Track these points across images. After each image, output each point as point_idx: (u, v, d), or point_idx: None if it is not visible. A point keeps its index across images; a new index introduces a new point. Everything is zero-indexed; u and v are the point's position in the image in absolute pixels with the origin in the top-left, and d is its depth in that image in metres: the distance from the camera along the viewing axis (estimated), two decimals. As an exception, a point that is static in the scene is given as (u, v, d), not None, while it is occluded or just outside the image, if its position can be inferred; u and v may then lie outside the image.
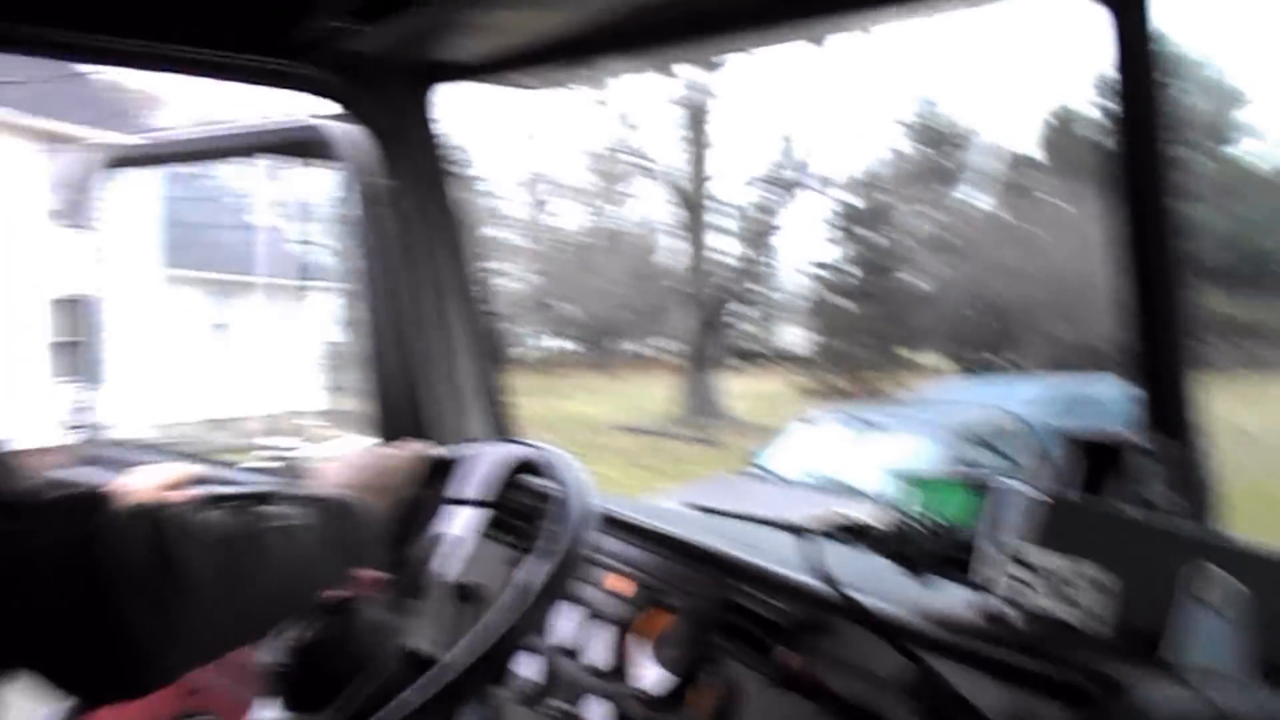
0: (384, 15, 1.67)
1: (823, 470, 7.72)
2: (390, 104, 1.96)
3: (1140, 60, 1.16)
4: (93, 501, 0.84)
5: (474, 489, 1.39)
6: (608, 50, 1.83)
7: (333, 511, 1.09)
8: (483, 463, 1.42)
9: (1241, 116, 21.89)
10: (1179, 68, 22.04)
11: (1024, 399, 9.42)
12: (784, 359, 26.05)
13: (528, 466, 1.36)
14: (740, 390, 20.60)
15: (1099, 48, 1.23)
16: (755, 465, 8.54)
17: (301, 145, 2.24)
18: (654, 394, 19.83)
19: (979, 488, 0.94)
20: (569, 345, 26.76)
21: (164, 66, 1.92)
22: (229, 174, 22.46)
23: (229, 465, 2.58)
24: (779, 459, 8.44)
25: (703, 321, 17.92)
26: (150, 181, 16.25)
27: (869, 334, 21.55)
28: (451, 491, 1.41)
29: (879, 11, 1.50)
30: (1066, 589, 0.85)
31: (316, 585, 1.06)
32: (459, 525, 1.57)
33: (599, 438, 15.82)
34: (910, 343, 23.46)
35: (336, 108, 1.98)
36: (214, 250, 16.30)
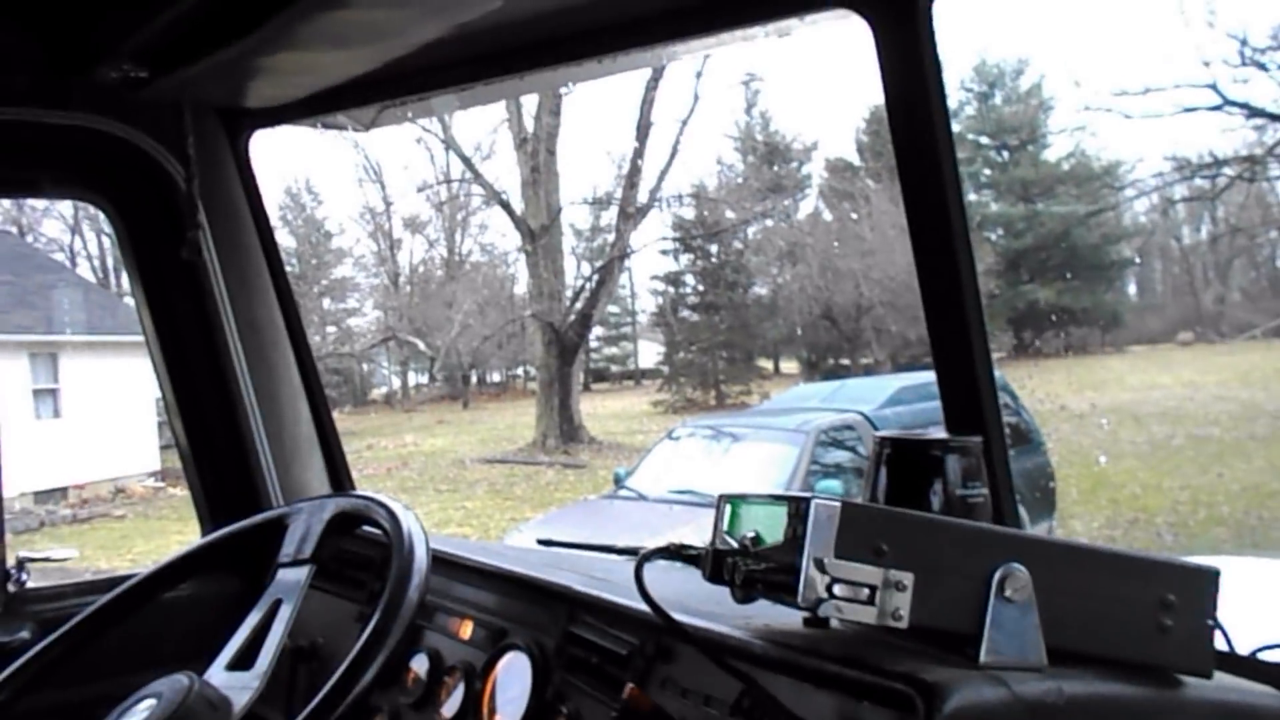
0: (182, 62, 1.60)
1: (684, 484, 7.81)
2: (197, 151, 1.89)
3: (907, 69, 1.22)
4: None
5: (308, 548, 1.34)
6: (427, 86, 1.82)
7: None
8: (315, 520, 1.38)
9: (1051, 121, 23.52)
10: (990, 78, 23.55)
11: (874, 398, 9.78)
12: (641, 376, 26.31)
13: (361, 519, 1.33)
14: (601, 410, 20.67)
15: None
16: (619, 485, 8.58)
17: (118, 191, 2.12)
18: (515, 422, 19.69)
19: (797, 506, 0.96)
20: (425, 379, 26.30)
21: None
22: (50, 231, 21.12)
23: None
24: (641, 477, 8.50)
25: (558, 346, 17.89)
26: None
27: (721, 345, 21.99)
28: (285, 552, 1.36)
29: (690, 42, 1.54)
30: (881, 598, 0.89)
31: None
32: (294, 587, 1.51)
33: (464, 472, 15.59)
34: (763, 351, 24.08)
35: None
36: (35, 311, 15.23)
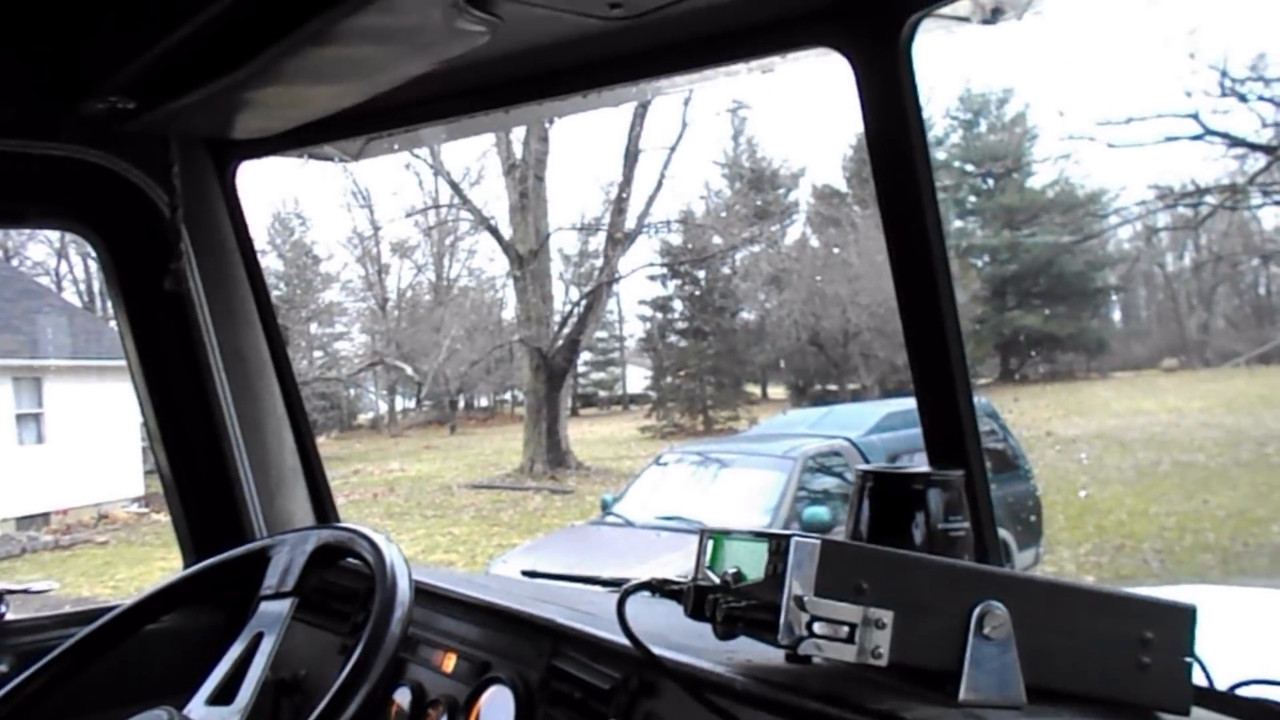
0: (170, 94, 1.61)
1: (672, 511, 7.80)
2: (183, 182, 1.89)
3: (887, 107, 1.24)
4: None
5: (291, 580, 1.34)
6: (414, 119, 1.83)
7: None
8: (298, 552, 1.37)
9: (1035, 149, 23.75)
10: (975, 106, 23.78)
11: (862, 424, 9.79)
12: (629, 401, 26.31)
13: (344, 551, 1.32)
14: (589, 436, 20.64)
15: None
16: (606, 512, 8.55)
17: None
18: (502, 447, 19.63)
19: (778, 543, 0.96)
20: (412, 404, 26.21)
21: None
22: (36, 254, 21.03)
23: None
24: (629, 503, 8.47)
25: (546, 371, 17.89)
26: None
27: (709, 371, 22.00)
28: (268, 585, 1.36)
29: (674, 78, 1.56)
30: (860, 635, 0.89)
31: None
32: (276, 619, 1.51)
33: (451, 498, 15.52)
34: (750, 376, 24.11)
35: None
36: (19, 336, 15.11)
